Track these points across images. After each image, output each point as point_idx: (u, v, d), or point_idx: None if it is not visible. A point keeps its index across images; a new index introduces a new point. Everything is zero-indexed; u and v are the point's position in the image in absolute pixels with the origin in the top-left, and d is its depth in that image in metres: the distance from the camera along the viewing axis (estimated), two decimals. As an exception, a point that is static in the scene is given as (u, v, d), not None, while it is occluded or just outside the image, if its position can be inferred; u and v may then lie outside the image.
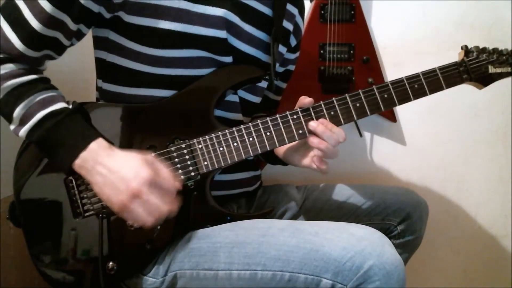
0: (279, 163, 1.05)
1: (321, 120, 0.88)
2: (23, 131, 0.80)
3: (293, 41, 1.06)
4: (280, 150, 0.99)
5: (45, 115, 0.79)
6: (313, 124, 0.87)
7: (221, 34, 0.88)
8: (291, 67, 1.14)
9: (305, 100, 0.89)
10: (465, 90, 0.96)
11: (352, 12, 1.29)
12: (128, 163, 0.77)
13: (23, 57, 0.81)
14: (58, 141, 0.79)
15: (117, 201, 0.75)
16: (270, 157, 1.06)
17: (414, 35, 1.39)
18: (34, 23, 0.79)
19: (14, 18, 0.79)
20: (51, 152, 0.80)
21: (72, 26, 0.82)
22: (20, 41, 0.79)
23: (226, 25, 0.88)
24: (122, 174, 0.75)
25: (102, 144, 0.79)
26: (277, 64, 1.04)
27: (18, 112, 0.79)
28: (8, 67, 0.80)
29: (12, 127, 0.82)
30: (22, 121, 0.80)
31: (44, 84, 0.83)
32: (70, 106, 0.82)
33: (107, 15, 0.85)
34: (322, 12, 1.29)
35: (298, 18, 1.05)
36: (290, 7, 1.00)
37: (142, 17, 0.84)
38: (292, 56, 1.10)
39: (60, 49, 0.85)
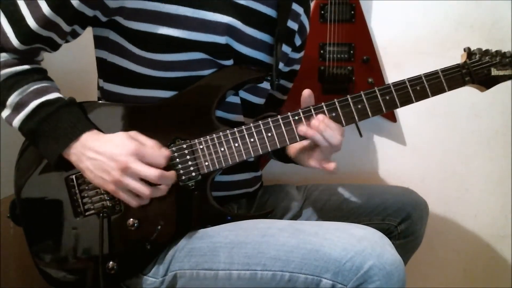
0: (291, 162, 1.04)
1: (320, 116, 0.86)
2: (17, 121, 0.81)
3: (298, 41, 1.05)
4: (291, 151, 0.98)
5: (39, 104, 0.81)
6: (315, 122, 0.86)
7: (221, 40, 0.87)
8: (296, 67, 1.13)
9: (305, 93, 0.88)
10: (466, 90, 0.96)
11: (352, 12, 1.29)
12: (112, 141, 0.79)
13: (17, 50, 0.82)
14: (50, 131, 0.80)
15: (111, 180, 0.77)
16: (282, 156, 1.05)
17: (414, 35, 1.39)
18: (30, 21, 0.80)
19: (12, 14, 0.80)
20: (43, 142, 0.81)
21: (66, 27, 0.83)
22: (15, 37, 0.81)
23: (227, 31, 0.88)
24: (109, 153, 0.77)
25: (93, 133, 0.81)
26: (282, 64, 1.04)
27: (12, 99, 0.81)
28: (3, 56, 0.81)
29: (4, 114, 0.82)
30: (16, 109, 0.81)
31: (39, 74, 0.85)
32: (66, 98, 0.84)
33: (104, 19, 0.85)
34: (322, 12, 1.29)
35: (303, 17, 1.04)
36: (295, 6, 1.00)
37: (140, 22, 0.83)
38: (297, 55, 1.10)
39: (54, 46, 0.86)
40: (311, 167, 0.92)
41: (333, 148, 0.87)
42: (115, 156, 0.77)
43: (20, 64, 0.82)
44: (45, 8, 0.79)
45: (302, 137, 0.88)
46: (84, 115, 0.84)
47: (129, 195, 0.79)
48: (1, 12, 0.81)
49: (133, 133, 0.81)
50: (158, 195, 0.80)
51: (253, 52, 0.94)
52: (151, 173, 0.77)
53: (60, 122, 0.81)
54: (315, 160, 0.90)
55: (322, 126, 0.85)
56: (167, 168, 0.81)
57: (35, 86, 0.82)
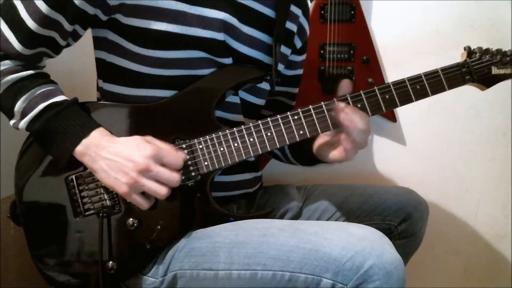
0: (307, 162, 1.04)
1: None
2: (24, 123, 0.81)
3: (298, 42, 1.05)
4: (314, 147, 0.97)
5: (46, 106, 0.81)
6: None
7: (219, 36, 0.88)
8: (300, 71, 1.12)
9: (343, 84, 0.89)
10: (466, 90, 0.96)
11: (352, 12, 1.29)
12: (130, 144, 0.79)
13: (20, 55, 0.82)
14: (59, 129, 0.80)
15: (126, 180, 0.77)
16: (300, 156, 1.05)
17: (414, 35, 1.39)
18: (30, 22, 0.80)
19: (11, 18, 0.80)
20: (52, 141, 0.81)
21: (67, 26, 0.83)
22: (17, 41, 0.81)
23: (224, 28, 0.88)
24: (126, 154, 0.77)
25: (103, 132, 0.82)
26: (282, 66, 1.04)
27: (19, 105, 0.81)
28: (7, 63, 0.81)
29: (12, 122, 0.83)
30: (23, 115, 0.81)
31: (43, 78, 0.85)
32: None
33: (104, 18, 0.85)
34: (322, 12, 1.29)
35: (302, 19, 1.04)
36: (293, 8, 1.00)
37: (139, 18, 0.84)
38: (299, 58, 1.09)
39: (56, 48, 0.86)
40: (331, 159, 0.91)
41: (359, 137, 0.86)
42: (133, 158, 0.77)
43: (24, 70, 0.82)
44: (44, 7, 0.79)
45: (302, 136, 0.88)
46: (89, 115, 0.85)
47: (142, 198, 0.80)
48: (1, 18, 0.81)
49: (149, 138, 0.81)
50: (167, 195, 0.80)
51: (251, 51, 0.94)
52: (174, 176, 0.78)
53: (67, 121, 0.81)
54: (336, 153, 0.90)
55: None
56: None
57: (41, 90, 0.82)
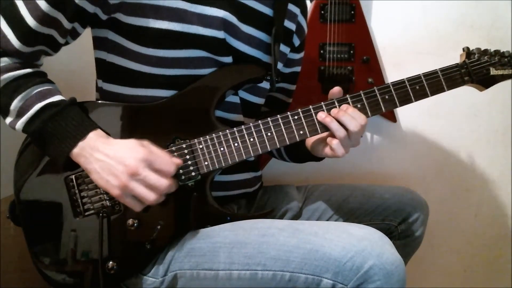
0: (302, 159, 1.05)
1: (343, 106, 0.88)
2: (20, 123, 0.81)
3: (296, 41, 1.06)
4: (308, 143, 0.98)
5: (42, 106, 0.80)
6: (334, 110, 0.87)
7: (219, 34, 0.88)
8: (297, 69, 1.13)
9: (334, 91, 0.90)
10: (465, 90, 0.96)
11: (352, 12, 1.29)
12: (123, 146, 0.79)
13: (19, 53, 0.82)
14: (56, 131, 0.80)
15: (117, 183, 0.76)
16: (295, 154, 1.06)
17: (414, 35, 1.40)
18: (29, 20, 0.79)
19: (11, 15, 0.80)
20: (48, 143, 0.81)
21: (67, 24, 0.83)
22: (16, 38, 0.80)
23: (224, 26, 0.88)
24: (118, 157, 0.77)
25: (100, 134, 0.81)
26: (281, 65, 1.04)
27: (15, 104, 0.80)
28: (4, 61, 0.81)
29: (8, 120, 0.82)
30: (19, 114, 0.81)
31: (41, 77, 0.84)
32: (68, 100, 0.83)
33: (104, 17, 0.85)
34: (322, 12, 1.29)
35: (300, 18, 1.04)
36: (291, 6, 1.00)
37: (139, 17, 0.84)
38: (297, 56, 1.10)
39: (55, 46, 0.86)
40: (325, 155, 0.92)
41: (350, 138, 0.87)
42: (124, 160, 0.76)
43: (21, 68, 0.82)
44: (43, 5, 0.79)
45: (302, 136, 0.88)
46: (87, 115, 0.84)
47: (134, 200, 0.79)
48: (0, 15, 0.80)
49: (145, 142, 0.81)
50: (160, 201, 0.80)
51: (251, 50, 0.94)
52: (162, 183, 0.77)
53: (64, 122, 0.80)
54: (329, 148, 0.90)
55: (341, 113, 0.86)
56: None
57: (38, 89, 0.82)
